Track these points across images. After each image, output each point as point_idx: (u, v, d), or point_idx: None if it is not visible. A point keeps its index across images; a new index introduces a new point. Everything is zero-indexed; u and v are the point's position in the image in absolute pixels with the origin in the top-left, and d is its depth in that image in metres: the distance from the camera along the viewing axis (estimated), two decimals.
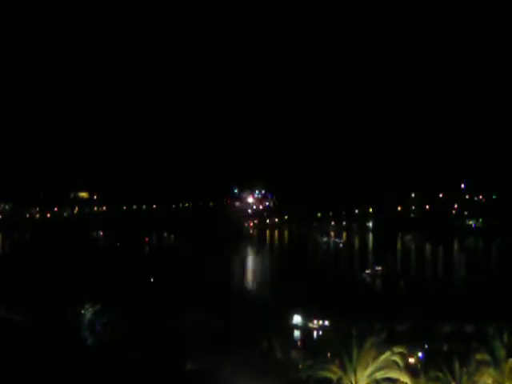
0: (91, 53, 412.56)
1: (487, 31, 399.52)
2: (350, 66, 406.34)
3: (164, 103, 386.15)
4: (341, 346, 49.42)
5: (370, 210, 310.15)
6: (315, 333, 79.77)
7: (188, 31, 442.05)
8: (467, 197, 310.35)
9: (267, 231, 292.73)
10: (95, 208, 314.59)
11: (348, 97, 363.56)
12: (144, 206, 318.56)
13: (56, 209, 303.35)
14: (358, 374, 47.82)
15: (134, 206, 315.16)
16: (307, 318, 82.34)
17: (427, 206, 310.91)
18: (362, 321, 69.30)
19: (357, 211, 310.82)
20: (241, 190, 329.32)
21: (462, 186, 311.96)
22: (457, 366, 47.82)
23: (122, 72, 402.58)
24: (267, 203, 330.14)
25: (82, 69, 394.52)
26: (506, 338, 49.80)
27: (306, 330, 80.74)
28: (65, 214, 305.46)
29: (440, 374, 47.77)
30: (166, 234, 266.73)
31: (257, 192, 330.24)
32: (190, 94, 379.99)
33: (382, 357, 48.42)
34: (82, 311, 70.86)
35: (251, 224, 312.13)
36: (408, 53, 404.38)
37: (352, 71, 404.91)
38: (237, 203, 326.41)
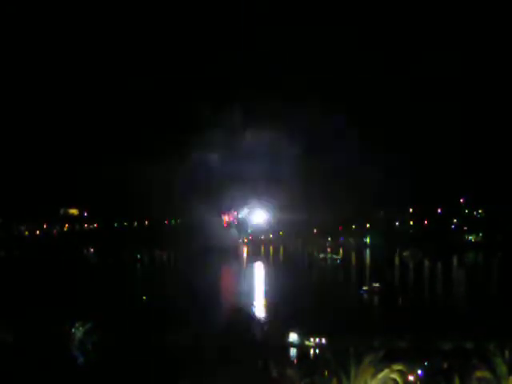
0: (77, 71, 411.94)
1: (485, 45, 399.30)
2: (346, 78, 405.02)
3: (153, 117, 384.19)
4: (338, 364, 48.31)
5: (368, 225, 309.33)
6: (312, 351, 78.58)
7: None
8: (466, 211, 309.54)
9: (262, 247, 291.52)
10: (86, 225, 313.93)
11: (342, 109, 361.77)
12: (135, 223, 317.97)
13: (45, 226, 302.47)
14: None
15: (125, 223, 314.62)
16: (303, 335, 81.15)
17: (425, 221, 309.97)
18: (359, 338, 68.16)
19: (354, 226, 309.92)
20: (234, 204, 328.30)
21: (461, 200, 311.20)
22: (457, 383, 46.70)
23: (110, 87, 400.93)
24: (262, 220, 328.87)
25: (71, 83, 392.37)
26: (507, 354, 48.63)
27: (302, 348, 79.52)
28: (54, 231, 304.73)
29: None
30: (158, 251, 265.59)
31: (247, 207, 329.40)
32: (181, 107, 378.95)
33: (381, 374, 47.41)
34: (72, 330, 69.48)
35: (245, 240, 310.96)
36: (405, 64, 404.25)
37: (348, 81, 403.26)
38: (229, 219, 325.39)
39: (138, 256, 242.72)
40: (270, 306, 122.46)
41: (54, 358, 64.32)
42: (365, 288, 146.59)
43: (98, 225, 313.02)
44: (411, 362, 57.12)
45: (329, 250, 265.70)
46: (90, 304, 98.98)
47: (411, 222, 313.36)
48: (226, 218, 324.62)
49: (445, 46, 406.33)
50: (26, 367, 61.32)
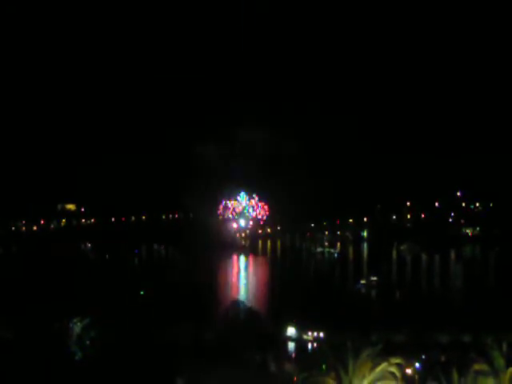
0: (74, 68, 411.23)
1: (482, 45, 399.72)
2: (341, 74, 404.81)
3: (151, 114, 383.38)
4: (336, 358, 48.27)
5: (365, 219, 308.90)
6: (310, 345, 78.62)
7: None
8: (463, 205, 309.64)
9: (259, 242, 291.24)
10: (83, 220, 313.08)
11: (339, 104, 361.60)
12: (133, 218, 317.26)
13: (42, 221, 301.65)
14: None
15: (123, 218, 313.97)
16: (302, 329, 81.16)
17: (423, 215, 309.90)
18: (357, 332, 68.27)
19: (351, 220, 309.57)
20: (230, 199, 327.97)
21: (458, 194, 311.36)
22: (455, 376, 46.73)
23: (108, 84, 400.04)
24: (259, 214, 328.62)
25: (70, 80, 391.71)
26: (504, 347, 48.63)
27: (300, 342, 79.55)
28: (52, 227, 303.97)
29: None
30: (155, 246, 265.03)
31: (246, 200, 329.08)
32: (178, 104, 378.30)
33: (379, 368, 47.36)
34: (71, 325, 69.36)
35: (243, 234, 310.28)
36: (402, 59, 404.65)
37: (343, 79, 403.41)
38: (226, 213, 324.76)
39: (136, 251, 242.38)
40: (267, 300, 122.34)
41: (53, 353, 64.31)
42: (362, 282, 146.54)
43: (95, 220, 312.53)
44: (409, 356, 57.23)
45: (326, 243, 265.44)
46: (87, 299, 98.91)
47: (408, 216, 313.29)
48: (221, 209, 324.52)
49: (444, 43, 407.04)
50: (25, 362, 61.34)
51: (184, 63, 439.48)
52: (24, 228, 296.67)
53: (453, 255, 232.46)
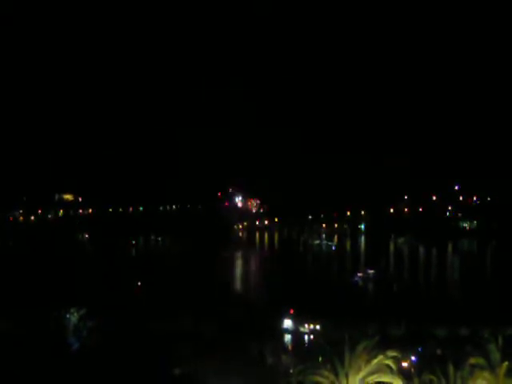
0: (74, 57, 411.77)
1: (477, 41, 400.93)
2: (339, 71, 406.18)
3: (151, 104, 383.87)
4: (332, 350, 48.27)
5: (362, 212, 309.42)
6: (306, 337, 78.72)
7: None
8: (461, 198, 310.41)
9: (257, 234, 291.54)
10: (80, 210, 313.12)
11: (338, 98, 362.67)
12: (131, 209, 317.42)
13: (40, 211, 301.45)
14: (350, 378, 46.67)
15: (121, 209, 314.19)
16: (298, 321, 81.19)
17: (421, 208, 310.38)
18: (353, 324, 68.38)
19: (348, 213, 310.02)
20: (230, 192, 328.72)
21: (456, 187, 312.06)
22: (451, 369, 46.72)
23: (106, 74, 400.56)
24: (257, 206, 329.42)
25: (69, 71, 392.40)
26: (500, 341, 48.61)
27: (296, 335, 79.59)
28: (49, 217, 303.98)
29: (434, 378, 46.70)
30: (153, 237, 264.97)
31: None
32: (178, 94, 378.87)
33: (375, 361, 47.33)
34: (67, 315, 69.34)
35: (241, 226, 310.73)
36: (399, 53, 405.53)
37: (342, 73, 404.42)
38: (224, 205, 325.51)
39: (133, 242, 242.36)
40: (263, 292, 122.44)
41: (49, 343, 64.34)
42: (359, 274, 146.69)
43: (92, 210, 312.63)
44: (405, 349, 57.32)
45: (324, 236, 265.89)
46: (84, 290, 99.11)
47: (406, 209, 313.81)
48: (219, 201, 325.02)
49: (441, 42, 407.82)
50: (21, 352, 61.35)
51: (180, 55, 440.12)
52: (21, 218, 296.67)
53: (450, 248, 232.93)
